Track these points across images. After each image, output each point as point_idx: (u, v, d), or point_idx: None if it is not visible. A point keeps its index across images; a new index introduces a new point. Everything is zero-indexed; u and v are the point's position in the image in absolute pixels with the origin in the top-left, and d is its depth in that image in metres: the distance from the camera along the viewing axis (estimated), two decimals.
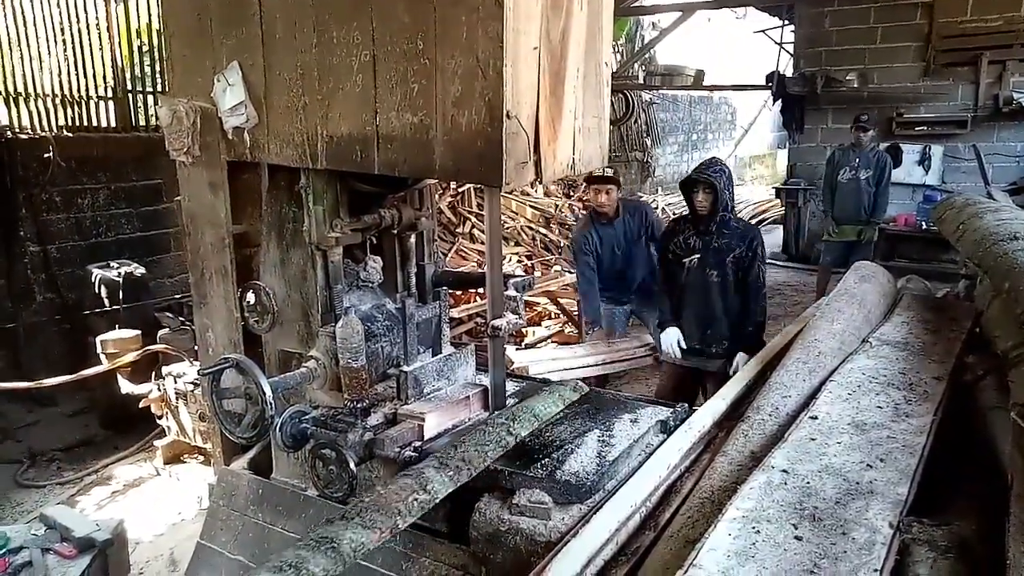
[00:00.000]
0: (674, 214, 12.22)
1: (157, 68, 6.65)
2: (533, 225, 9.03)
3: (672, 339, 3.84)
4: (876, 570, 1.58)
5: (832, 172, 7.18)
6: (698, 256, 3.71)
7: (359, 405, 2.67)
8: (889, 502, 1.83)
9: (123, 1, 6.34)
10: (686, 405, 3.08)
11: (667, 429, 2.78)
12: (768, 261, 10.94)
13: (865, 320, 3.18)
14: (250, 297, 3.02)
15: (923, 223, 8.65)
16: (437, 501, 2.06)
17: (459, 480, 2.12)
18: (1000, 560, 1.63)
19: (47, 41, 5.87)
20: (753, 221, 12.52)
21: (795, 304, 7.95)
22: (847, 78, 9.05)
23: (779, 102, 9.74)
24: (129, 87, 6.52)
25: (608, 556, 2.02)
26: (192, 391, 4.35)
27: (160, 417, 4.73)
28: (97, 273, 5.49)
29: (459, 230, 8.19)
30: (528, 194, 9.21)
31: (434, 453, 2.28)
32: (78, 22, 6.06)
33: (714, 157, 3.88)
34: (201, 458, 4.74)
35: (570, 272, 8.07)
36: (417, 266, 3.19)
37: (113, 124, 6.41)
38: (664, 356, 4.03)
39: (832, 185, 7.17)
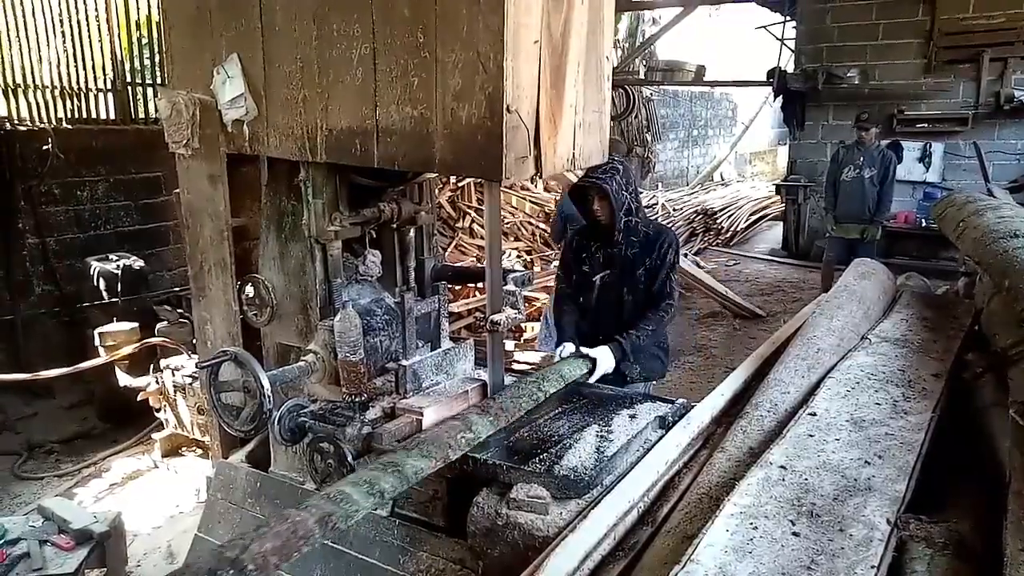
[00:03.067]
0: (675, 210, 12.23)
1: (156, 60, 6.63)
2: (533, 220, 9.02)
3: (567, 348, 3.08)
4: (873, 567, 1.58)
5: (836, 169, 7.17)
6: (608, 272, 3.19)
7: (357, 399, 2.66)
8: (887, 499, 1.83)
9: None
10: (684, 400, 3.07)
11: (665, 425, 2.78)
12: (767, 258, 10.94)
13: (864, 317, 3.18)
14: (249, 290, 3.01)
15: (923, 220, 8.65)
16: (480, 440, 2.36)
17: (498, 424, 2.43)
18: (997, 557, 1.63)
19: (46, 33, 5.85)
20: (753, 218, 12.51)
21: (794, 301, 7.96)
22: (848, 74, 9.04)
23: (780, 98, 9.72)
24: (128, 79, 6.51)
25: (606, 551, 2.02)
26: (190, 384, 4.35)
27: (158, 410, 4.73)
28: (96, 266, 5.49)
29: (459, 224, 8.18)
30: (528, 189, 9.19)
31: (474, 404, 2.61)
32: (77, 14, 6.05)
33: (609, 158, 2.95)
34: (199, 451, 4.74)
35: None
36: (416, 260, 3.18)
37: (112, 116, 6.40)
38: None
39: (835, 182, 7.16)
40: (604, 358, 2.96)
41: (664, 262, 3.13)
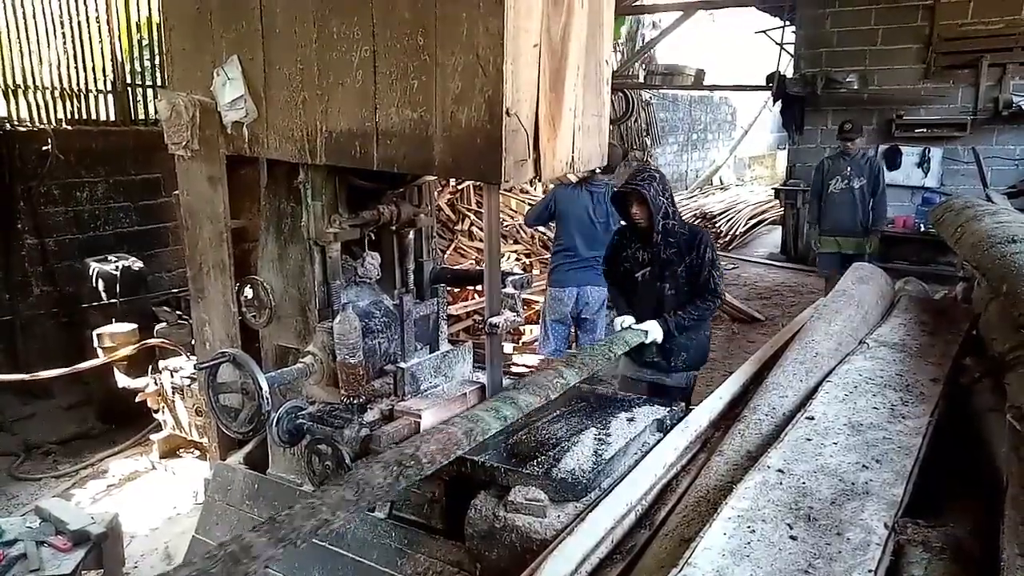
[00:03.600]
0: None
1: (157, 62, 6.63)
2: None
3: (626, 321, 3.48)
4: (871, 571, 1.58)
5: (821, 181, 6.79)
6: (648, 269, 3.49)
7: (356, 401, 2.66)
8: (884, 503, 1.83)
9: None
10: (683, 404, 3.08)
11: (664, 428, 2.79)
12: (766, 262, 10.93)
13: (863, 321, 3.18)
14: (248, 292, 3.02)
15: (921, 225, 8.65)
16: (570, 385, 2.71)
17: (581, 375, 2.79)
18: (994, 562, 1.63)
19: (47, 34, 5.85)
20: (752, 222, 12.53)
21: (793, 305, 7.96)
22: (847, 79, 9.04)
23: (779, 103, 9.73)
24: (128, 81, 6.50)
25: (603, 554, 2.02)
26: (189, 385, 4.35)
27: (156, 411, 4.73)
28: (95, 267, 5.48)
29: (458, 227, 8.18)
30: (527, 192, 9.20)
31: (559, 360, 2.98)
32: (78, 15, 6.05)
33: (642, 166, 3.69)
34: (197, 452, 4.74)
35: None
36: (415, 263, 3.19)
37: (112, 118, 6.39)
38: (622, 372, 3.80)
39: (820, 195, 6.79)
40: (653, 329, 3.35)
41: (704, 260, 3.41)
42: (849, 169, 6.63)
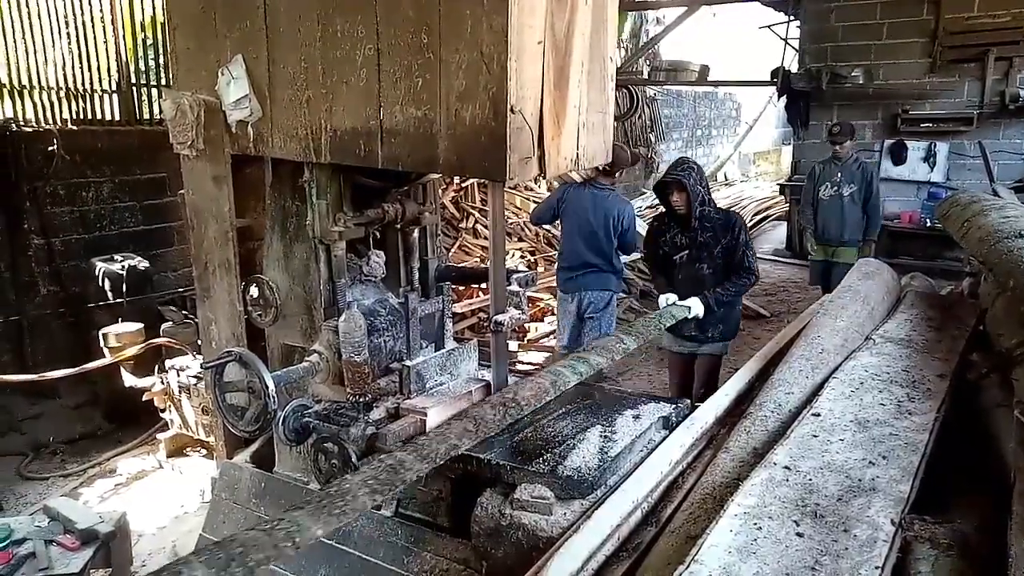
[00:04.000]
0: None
1: (161, 61, 6.64)
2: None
3: (671, 298, 3.78)
4: (878, 567, 1.58)
5: (813, 188, 6.48)
6: (687, 252, 3.86)
7: (361, 399, 2.67)
8: (891, 499, 1.83)
9: None
10: (688, 401, 3.08)
11: (669, 425, 2.78)
12: (771, 258, 10.91)
13: (869, 317, 3.17)
14: (253, 291, 3.02)
15: (927, 220, 8.62)
16: (631, 350, 3.05)
17: (637, 343, 3.12)
18: (1002, 558, 1.63)
19: (51, 34, 5.86)
20: (757, 218, 12.51)
21: (798, 301, 7.94)
22: (852, 74, 9.00)
23: (784, 98, 9.70)
24: (133, 80, 6.51)
25: (609, 551, 2.02)
26: (195, 385, 4.36)
27: (163, 410, 4.74)
28: (101, 266, 5.50)
29: (462, 225, 8.18)
30: (532, 189, 9.19)
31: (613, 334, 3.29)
32: (82, 15, 6.06)
33: (682, 157, 4.01)
34: (204, 451, 4.75)
35: None
36: (420, 261, 3.19)
37: (117, 117, 6.40)
38: (665, 344, 4.28)
39: (813, 201, 6.48)
40: (695, 305, 3.68)
41: (739, 241, 3.80)
42: (839, 175, 6.27)
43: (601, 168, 4.72)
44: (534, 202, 9.25)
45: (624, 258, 7.95)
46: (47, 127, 5.78)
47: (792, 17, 10.03)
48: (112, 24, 6.27)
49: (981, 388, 2.63)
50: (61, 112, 5.98)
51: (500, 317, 2.67)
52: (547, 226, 7.79)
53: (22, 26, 5.68)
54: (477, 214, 8.23)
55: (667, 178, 3.77)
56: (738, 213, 4.28)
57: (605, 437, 2.63)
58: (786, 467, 1.99)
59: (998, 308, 3.08)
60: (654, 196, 12.81)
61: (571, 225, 5.00)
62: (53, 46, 5.90)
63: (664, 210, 4.01)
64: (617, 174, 4.98)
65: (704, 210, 3.76)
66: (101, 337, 4.80)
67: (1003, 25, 8.21)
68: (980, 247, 3.06)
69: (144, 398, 4.73)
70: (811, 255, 6.68)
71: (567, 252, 5.06)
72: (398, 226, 3.04)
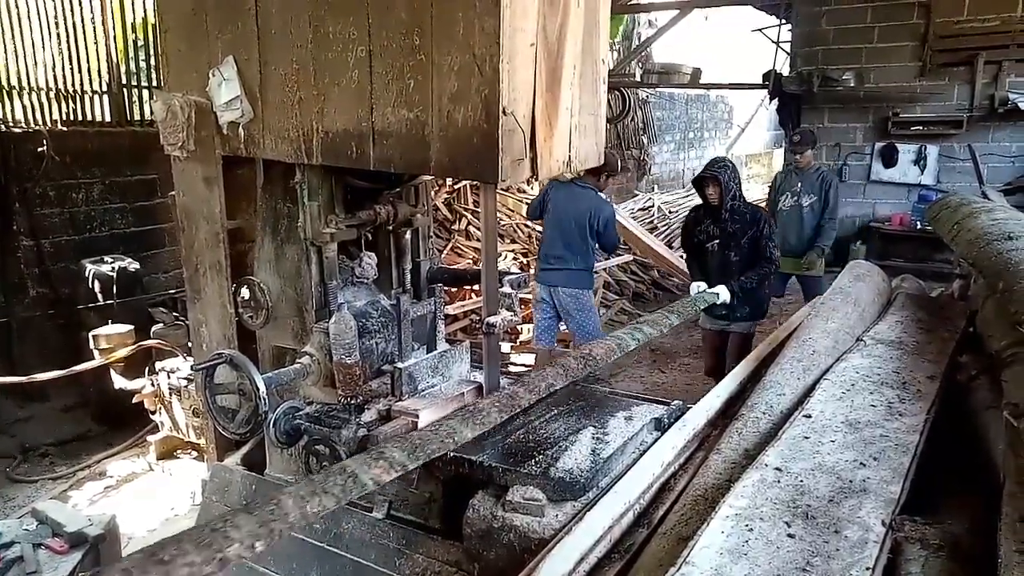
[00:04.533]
0: (670, 213, 12.23)
1: (152, 63, 6.62)
2: (529, 223, 9.02)
3: (701, 286, 4.26)
4: (868, 568, 1.58)
5: (774, 197, 6.23)
6: (718, 241, 4.35)
7: (353, 401, 2.66)
8: (882, 500, 1.83)
9: None
10: (680, 402, 3.08)
11: (661, 427, 2.79)
12: None
13: (859, 319, 3.18)
14: (244, 293, 3.01)
15: (918, 223, 8.66)
16: (674, 325, 3.33)
17: (681, 318, 3.48)
18: (992, 559, 1.64)
19: (42, 35, 5.84)
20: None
21: (789, 303, 7.96)
22: (843, 77, 9.04)
23: (775, 101, 9.74)
24: (124, 81, 6.48)
25: (601, 553, 2.02)
26: (186, 387, 4.34)
27: (153, 412, 4.72)
28: (91, 268, 5.47)
29: (455, 227, 8.17)
30: (524, 191, 9.20)
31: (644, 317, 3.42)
32: (73, 16, 6.03)
33: (719, 156, 4.66)
34: (194, 454, 4.73)
35: None
36: (412, 262, 3.18)
37: (108, 119, 6.37)
38: (701, 323, 4.79)
39: (773, 212, 6.16)
40: (723, 292, 4.09)
41: (763, 234, 4.27)
42: (800, 185, 6.01)
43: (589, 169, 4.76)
44: (526, 204, 9.27)
45: (614, 260, 7.95)
46: (37, 128, 5.75)
47: (784, 20, 10.07)
48: (103, 25, 6.24)
49: (971, 390, 2.64)
50: (51, 113, 5.95)
51: (492, 319, 2.67)
52: (537, 225, 7.83)
53: (11, 27, 5.65)
54: (469, 216, 8.23)
55: (705, 173, 4.32)
56: (764, 209, 4.84)
57: (597, 439, 2.63)
58: (777, 468, 1.99)
59: (988, 310, 3.10)
60: (648, 198, 12.89)
61: (550, 218, 5.14)
62: (43, 47, 5.87)
63: (700, 203, 4.51)
64: (604, 176, 5.02)
65: (734, 204, 4.26)
66: (91, 339, 4.77)
67: (992, 29, 8.26)
68: (970, 249, 3.09)
69: (134, 400, 4.71)
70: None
71: (544, 243, 5.22)
72: (390, 228, 3.03)
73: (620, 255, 8.36)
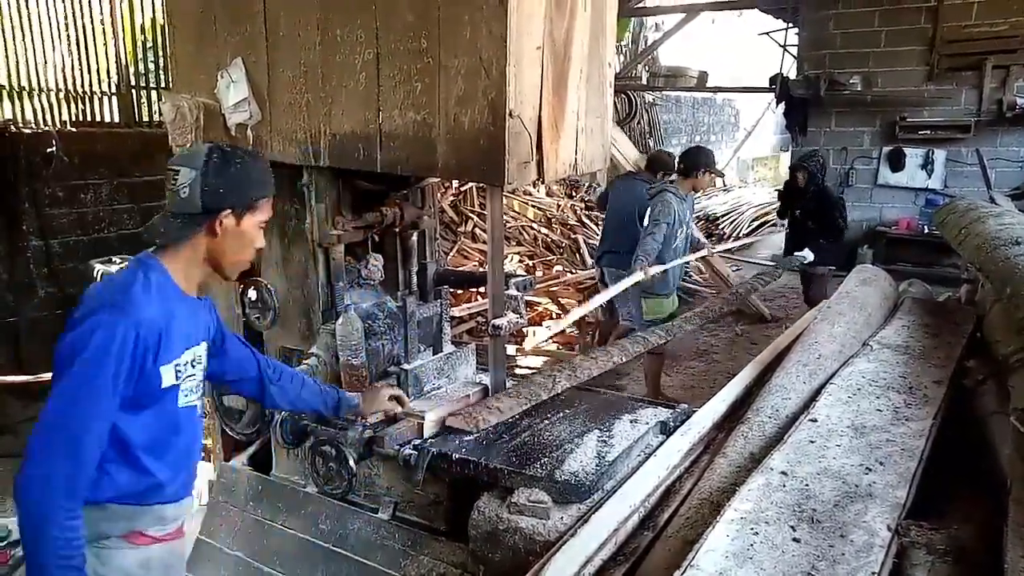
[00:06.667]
0: None
1: (161, 64, 6.65)
2: (535, 225, 9.03)
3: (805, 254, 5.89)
4: (874, 573, 1.58)
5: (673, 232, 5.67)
6: (800, 211, 6.28)
7: None
8: (888, 505, 1.83)
9: None
10: (686, 405, 3.08)
11: (667, 430, 2.78)
12: (770, 263, 10.87)
13: (866, 323, 3.18)
14: (251, 294, 3.02)
15: (925, 227, 8.64)
16: (779, 276, 5.05)
17: (787, 267, 5.94)
18: (998, 564, 1.63)
19: (51, 36, 5.88)
20: (755, 224, 12.54)
21: (796, 307, 7.94)
22: (851, 81, 9.03)
23: (782, 104, 9.72)
24: (133, 83, 6.52)
25: (606, 556, 2.02)
26: None
27: None
28: (99, 268, 5.47)
29: (461, 229, 8.19)
30: (530, 194, 9.21)
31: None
32: (82, 17, 6.07)
33: (812, 149, 7.30)
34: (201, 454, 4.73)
35: (571, 272, 8.07)
36: (418, 264, 3.19)
37: (116, 120, 6.41)
38: (796, 267, 6.28)
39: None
40: (808, 254, 5.70)
41: (834, 212, 6.07)
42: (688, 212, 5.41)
43: (645, 165, 6.03)
44: (533, 207, 9.29)
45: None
46: (46, 129, 5.78)
47: (791, 24, 10.06)
48: (112, 27, 6.28)
49: (978, 395, 2.63)
50: (60, 114, 5.99)
51: (498, 321, 2.68)
52: (544, 229, 7.92)
53: (22, 28, 5.69)
54: (476, 218, 8.25)
55: (798, 164, 6.33)
56: (838, 195, 6.76)
57: (603, 441, 2.63)
58: (783, 473, 1.99)
59: (995, 315, 3.09)
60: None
61: (609, 208, 5.89)
62: (53, 48, 5.91)
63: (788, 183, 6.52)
64: (660, 174, 5.56)
65: (815, 188, 6.14)
66: None
67: (1000, 34, 8.25)
68: (977, 254, 3.08)
69: None
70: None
71: (602, 231, 6.08)
72: (396, 230, 3.04)
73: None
